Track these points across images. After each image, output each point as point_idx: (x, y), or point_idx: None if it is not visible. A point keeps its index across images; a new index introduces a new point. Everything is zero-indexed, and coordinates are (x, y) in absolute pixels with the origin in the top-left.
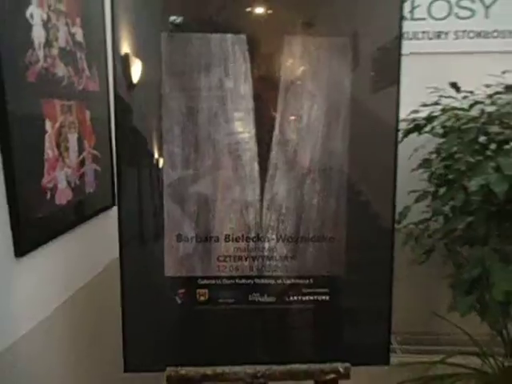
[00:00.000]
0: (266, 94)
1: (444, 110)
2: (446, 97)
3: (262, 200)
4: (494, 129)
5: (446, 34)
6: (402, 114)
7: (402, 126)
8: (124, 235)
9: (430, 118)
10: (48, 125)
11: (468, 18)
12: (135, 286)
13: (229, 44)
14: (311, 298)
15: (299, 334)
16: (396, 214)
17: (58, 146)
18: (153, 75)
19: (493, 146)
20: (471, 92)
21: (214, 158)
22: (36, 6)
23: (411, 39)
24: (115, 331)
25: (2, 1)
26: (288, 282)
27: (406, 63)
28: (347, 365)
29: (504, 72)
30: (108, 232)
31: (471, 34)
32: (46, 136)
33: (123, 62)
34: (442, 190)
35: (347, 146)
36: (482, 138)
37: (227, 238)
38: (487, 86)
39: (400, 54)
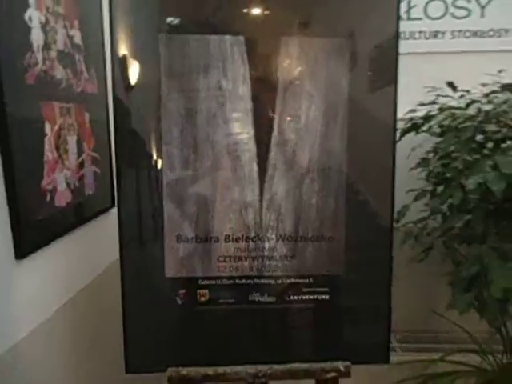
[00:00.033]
0: (265, 95)
1: (441, 109)
2: (443, 96)
3: (261, 200)
4: (491, 127)
5: (443, 33)
6: (400, 114)
7: (400, 125)
8: (124, 236)
9: (427, 118)
10: (47, 127)
11: (464, 17)
12: (136, 287)
13: (227, 45)
14: (311, 297)
15: (300, 334)
16: (395, 212)
17: (58, 148)
18: (151, 77)
19: (490, 145)
20: (468, 91)
21: (213, 159)
22: (34, 9)
23: (408, 39)
24: (116, 332)
25: (0, 3)
26: (288, 281)
27: (402, 63)
28: (348, 363)
29: (500, 71)
30: (107, 233)
31: (467, 34)
32: (46, 138)
33: (122, 64)
34: (439, 189)
35: (345, 146)
36: (479, 137)
37: (227, 239)
38: (483, 84)
39: (397, 54)
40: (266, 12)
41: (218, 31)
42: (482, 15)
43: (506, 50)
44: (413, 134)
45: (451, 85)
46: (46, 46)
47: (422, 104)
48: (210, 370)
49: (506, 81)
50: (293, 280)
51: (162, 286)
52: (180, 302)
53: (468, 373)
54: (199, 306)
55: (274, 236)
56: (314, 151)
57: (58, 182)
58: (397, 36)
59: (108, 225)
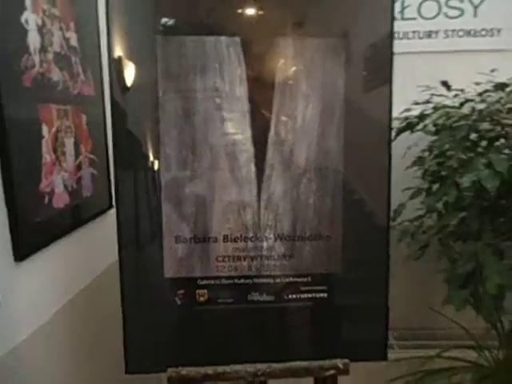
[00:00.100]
0: (261, 96)
1: (435, 108)
2: (437, 95)
3: (259, 200)
4: (485, 126)
5: (436, 33)
6: (395, 113)
7: (395, 124)
8: (123, 238)
9: (422, 117)
10: (45, 129)
11: (457, 17)
12: (135, 288)
13: (223, 46)
14: (309, 295)
15: (298, 332)
16: (391, 211)
17: (55, 150)
18: (148, 78)
19: (484, 143)
20: (462, 90)
21: (211, 160)
22: (31, 12)
23: (402, 39)
24: (116, 333)
25: None
26: (286, 280)
27: (397, 62)
28: (346, 361)
29: (493, 70)
30: (105, 235)
31: (460, 33)
32: (43, 141)
33: (118, 66)
34: (435, 187)
35: (342, 146)
36: (473, 135)
37: (225, 239)
38: (477, 83)
39: (392, 54)
40: (262, 13)
41: (214, 32)
42: (475, 15)
43: (498, 50)
44: (408, 133)
45: (445, 84)
46: (43, 49)
47: (417, 103)
48: (209, 370)
49: (499, 80)
50: (291, 279)
51: (161, 287)
52: (179, 302)
53: (465, 368)
54: (198, 306)
55: (272, 235)
56: (311, 151)
57: (56, 184)
58: (391, 36)
59: (106, 226)
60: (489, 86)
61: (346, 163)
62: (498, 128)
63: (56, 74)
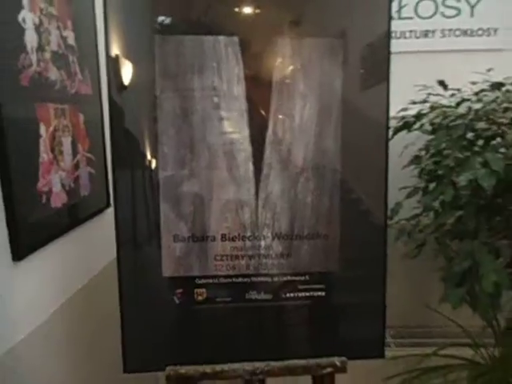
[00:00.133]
0: (259, 95)
1: (432, 108)
2: (434, 94)
3: (257, 199)
4: (481, 125)
5: (433, 32)
6: (392, 112)
7: (392, 123)
8: (121, 237)
9: (418, 116)
10: (42, 129)
11: (454, 16)
12: (133, 287)
13: (221, 46)
14: (307, 294)
15: (296, 330)
16: (388, 210)
17: (53, 149)
18: (146, 77)
19: (480, 142)
20: (458, 90)
21: (209, 159)
22: (28, 10)
23: (399, 38)
24: (114, 332)
25: None
26: (284, 279)
27: (394, 62)
28: (344, 359)
29: (489, 69)
30: (103, 234)
31: (457, 33)
32: (41, 140)
33: (116, 65)
34: (431, 186)
35: (339, 145)
36: (469, 135)
37: (224, 238)
38: (473, 83)
39: (389, 53)
40: (260, 12)
41: (211, 31)
42: (472, 14)
43: (495, 49)
44: (405, 132)
45: (442, 83)
46: (40, 48)
47: (414, 102)
48: (207, 368)
49: (495, 79)
50: (289, 278)
51: (160, 286)
52: (177, 301)
53: (461, 366)
54: (196, 305)
55: (269, 234)
56: (309, 150)
57: (54, 184)
58: (389, 35)
59: (104, 225)
60: (485, 86)
61: (343, 162)
62: (495, 127)
63: (53, 73)
